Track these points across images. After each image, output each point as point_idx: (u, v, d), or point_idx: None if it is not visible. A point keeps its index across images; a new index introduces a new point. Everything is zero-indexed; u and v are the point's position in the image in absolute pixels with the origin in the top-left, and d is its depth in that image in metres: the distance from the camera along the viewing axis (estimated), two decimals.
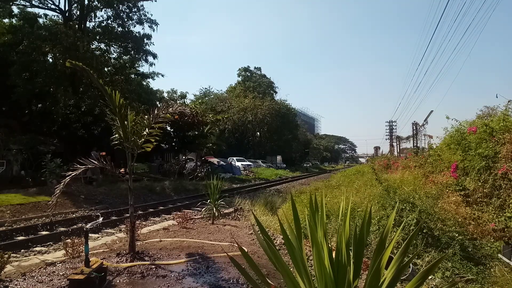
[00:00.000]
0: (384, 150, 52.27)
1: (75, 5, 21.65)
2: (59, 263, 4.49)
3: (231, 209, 9.00)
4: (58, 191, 4.43)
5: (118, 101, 4.55)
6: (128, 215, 5.29)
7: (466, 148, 7.44)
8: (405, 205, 5.51)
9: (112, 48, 23.26)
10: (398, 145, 44.65)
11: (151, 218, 10.16)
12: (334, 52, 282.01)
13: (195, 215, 8.54)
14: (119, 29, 22.33)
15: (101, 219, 5.23)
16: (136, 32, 22.70)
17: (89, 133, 21.35)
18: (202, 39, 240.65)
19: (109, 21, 22.28)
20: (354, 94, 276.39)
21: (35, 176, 14.59)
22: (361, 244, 1.96)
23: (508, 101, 7.41)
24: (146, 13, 23.14)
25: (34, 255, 6.11)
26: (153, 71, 28.63)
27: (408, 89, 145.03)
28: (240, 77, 59.34)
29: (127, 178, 4.93)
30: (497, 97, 18.97)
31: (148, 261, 4.42)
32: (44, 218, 9.34)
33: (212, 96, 51.70)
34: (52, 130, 19.98)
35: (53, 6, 21.18)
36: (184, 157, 23.09)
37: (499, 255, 4.97)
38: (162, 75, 32.58)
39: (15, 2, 19.77)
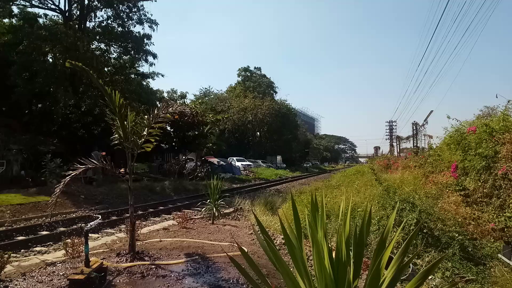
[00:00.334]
0: (384, 150, 52.26)
1: (75, 5, 21.68)
2: (59, 263, 4.49)
3: (231, 209, 9.00)
4: (58, 191, 4.43)
5: (118, 101, 4.55)
6: (128, 215, 5.29)
7: (466, 148, 7.43)
8: (405, 205, 5.50)
9: (112, 48, 23.29)
10: (398, 145, 44.57)
11: (151, 218, 10.15)
12: (334, 52, 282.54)
13: (195, 215, 8.54)
14: (119, 29, 22.37)
15: (99, 219, 5.23)
16: (136, 32, 22.78)
17: (89, 133, 21.37)
18: (202, 39, 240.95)
19: (109, 21, 22.34)
20: (354, 94, 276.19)
21: (35, 176, 14.60)
22: (361, 244, 1.96)
23: (508, 101, 7.41)
24: (146, 13, 23.25)
25: (34, 255, 6.10)
26: (153, 71, 28.65)
27: (408, 89, 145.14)
28: (240, 77, 59.41)
29: (127, 178, 4.93)
30: (497, 97, 18.97)
31: (148, 261, 4.42)
32: (44, 218, 9.34)
33: (212, 96, 51.79)
34: (52, 130, 19.96)
35: (53, 6, 21.23)
36: (184, 157, 23.06)
37: (499, 255, 4.96)
38: (162, 75, 32.61)
39: (15, 2, 19.79)
